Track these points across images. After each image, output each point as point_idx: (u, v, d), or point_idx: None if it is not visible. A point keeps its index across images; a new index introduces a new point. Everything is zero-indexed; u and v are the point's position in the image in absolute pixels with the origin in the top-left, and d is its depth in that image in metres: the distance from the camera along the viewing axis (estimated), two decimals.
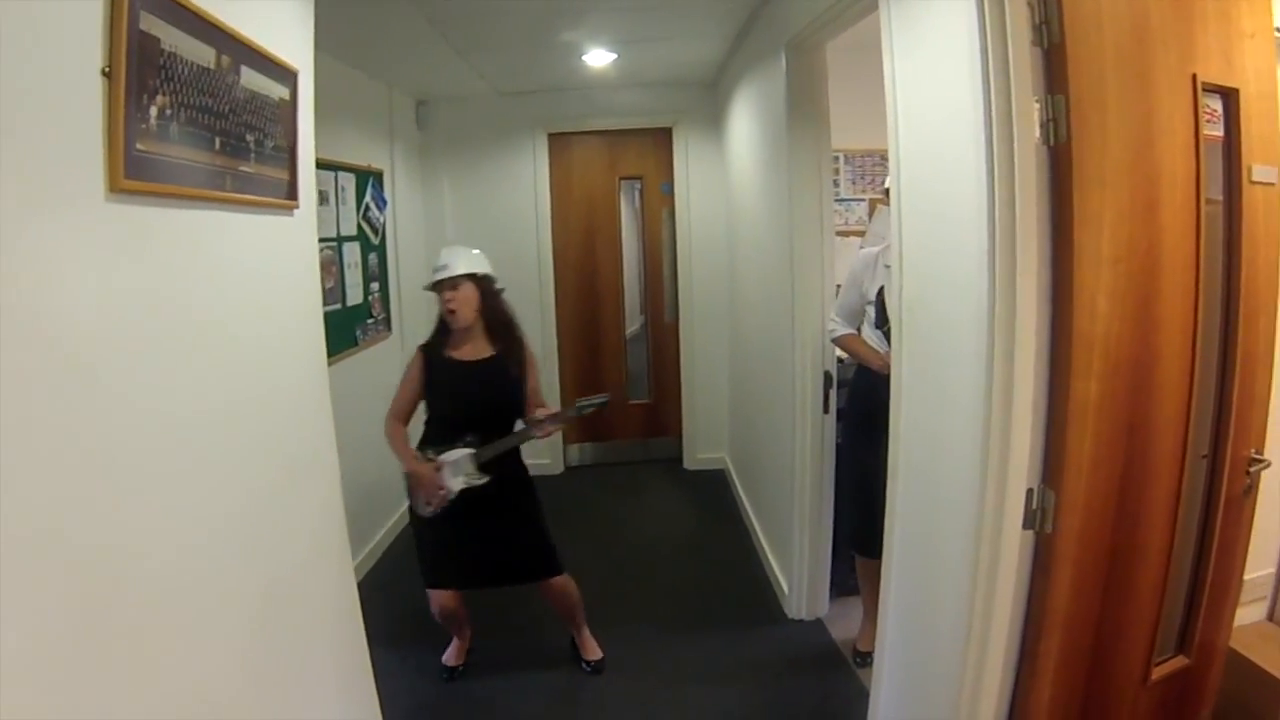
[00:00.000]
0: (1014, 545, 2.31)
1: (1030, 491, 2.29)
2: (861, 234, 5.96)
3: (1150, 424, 2.39)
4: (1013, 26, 2.08)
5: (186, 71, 1.77)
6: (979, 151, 2.19)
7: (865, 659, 3.87)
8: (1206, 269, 2.41)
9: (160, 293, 1.73)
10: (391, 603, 4.76)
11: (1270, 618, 3.46)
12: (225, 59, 1.93)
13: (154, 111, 1.64)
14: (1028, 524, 2.31)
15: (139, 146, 1.59)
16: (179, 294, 1.80)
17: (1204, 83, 2.37)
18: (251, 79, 2.07)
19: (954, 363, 2.49)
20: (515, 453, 3.89)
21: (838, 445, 4.25)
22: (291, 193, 2.35)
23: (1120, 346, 2.26)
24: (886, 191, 3.36)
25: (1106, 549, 2.41)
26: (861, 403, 3.87)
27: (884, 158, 5.82)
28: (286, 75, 2.28)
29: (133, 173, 1.57)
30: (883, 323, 3.64)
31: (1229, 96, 2.51)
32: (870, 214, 5.97)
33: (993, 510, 2.30)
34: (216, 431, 1.94)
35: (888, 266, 3.55)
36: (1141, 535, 2.47)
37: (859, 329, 3.81)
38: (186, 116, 1.78)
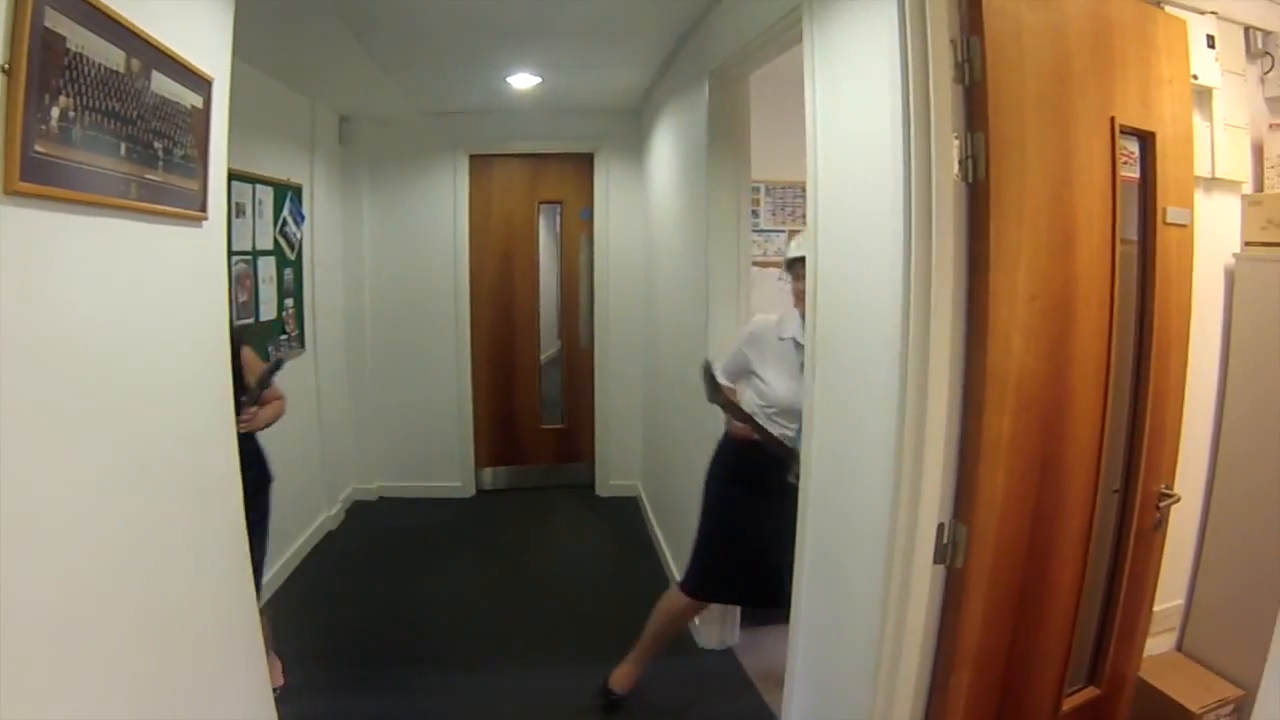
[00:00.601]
0: (924, 579, 2.30)
1: (942, 526, 2.28)
2: (780, 265, 5.96)
3: (1063, 459, 2.42)
4: (934, 63, 2.10)
5: (93, 73, 1.71)
6: (897, 186, 2.19)
7: (613, 700, 3.89)
8: (1120, 307, 2.45)
9: (55, 301, 1.65)
10: (304, 619, 4.70)
11: (1179, 648, 3.49)
12: (136, 63, 1.86)
13: (56, 113, 1.58)
14: (939, 558, 2.30)
15: (38, 148, 1.52)
16: (75, 303, 1.72)
17: (1122, 125, 2.43)
18: (163, 85, 2.00)
19: (868, 395, 2.48)
20: None
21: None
22: (202, 204, 2.28)
23: (1034, 382, 2.28)
24: None
25: (1018, 582, 2.42)
26: (727, 457, 3.82)
27: (804, 190, 5.92)
28: (200, 83, 2.22)
29: (29, 175, 1.50)
30: (767, 408, 3.62)
31: (1146, 139, 2.57)
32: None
33: (903, 544, 2.28)
34: (111, 451, 1.86)
35: (784, 340, 3.59)
36: (1053, 569, 2.49)
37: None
38: (91, 120, 1.71)
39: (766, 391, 3.60)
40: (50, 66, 1.56)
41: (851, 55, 2.53)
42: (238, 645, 2.62)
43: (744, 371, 3.74)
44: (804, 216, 5.84)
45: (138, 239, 1.97)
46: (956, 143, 2.13)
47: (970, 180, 2.16)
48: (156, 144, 1.98)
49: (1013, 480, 2.30)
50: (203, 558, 2.36)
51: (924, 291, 2.14)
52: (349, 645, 4.48)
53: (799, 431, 3.35)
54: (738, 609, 4.45)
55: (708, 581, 3.80)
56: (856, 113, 2.51)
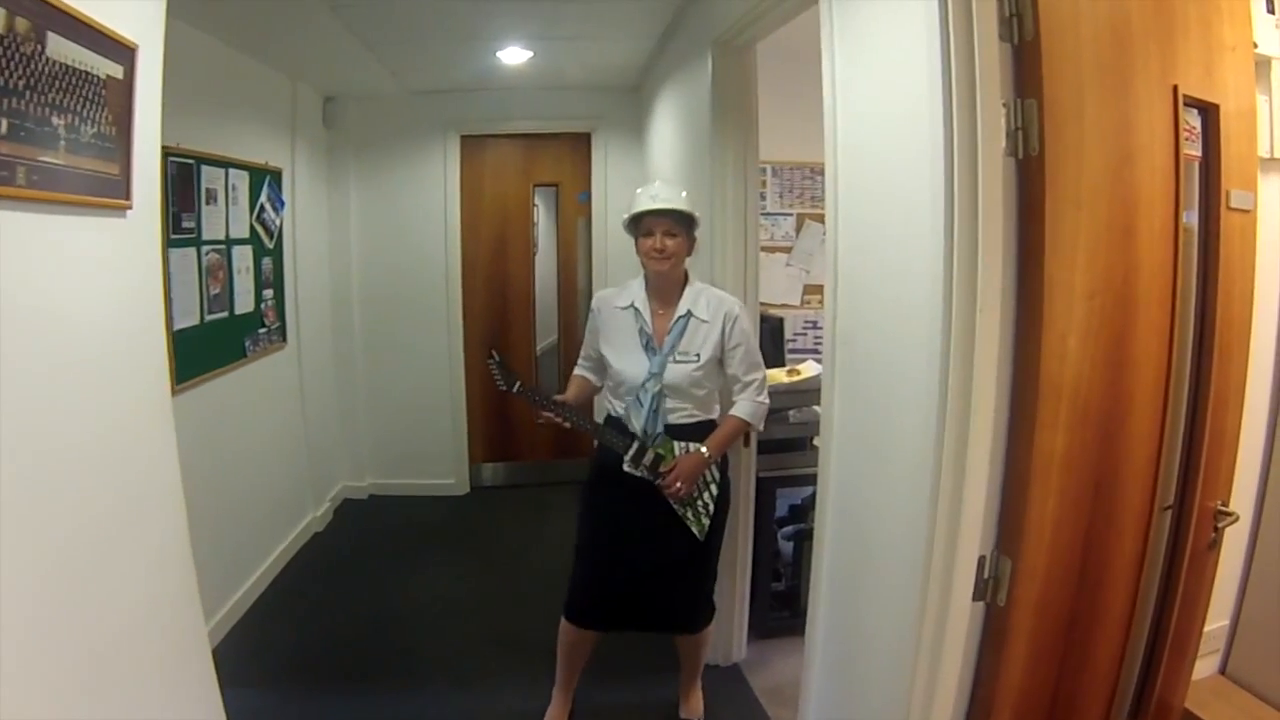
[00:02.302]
0: (962, 620, 2.05)
1: (982, 559, 2.03)
2: (788, 250, 5.73)
3: (1118, 479, 2.15)
4: (979, 18, 1.81)
5: None
6: (936, 162, 1.91)
7: None
8: (1182, 304, 2.16)
9: None
10: (285, 630, 4.50)
11: (1223, 671, 3.32)
12: (22, 22, 1.55)
13: None
14: (978, 595, 2.05)
15: None
16: None
17: (1185, 96, 2.12)
18: (63, 49, 1.69)
19: (896, 403, 2.24)
20: None
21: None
22: (123, 191, 1.97)
23: (1090, 392, 2.00)
24: None
25: (1065, 618, 2.17)
26: (593, 460, 3.47)
27: (814, 171, 5.70)
28: (119, 50, 1.90)
29: None
30: (616, 389, 3.34)
31: (1208, 113, 2.27)
32: (798, 230, 5.73)
33: (939, 580, 2.03)
34: (15, 470, 1.59)
35: (624, 309, 3.31)
36: (1103, 600, 2.23)
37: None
38: None
39: (611, 369, 3.32)
40: None
41: (878, 14, 2.24)
42: (188, 670, 2.37)
43: (596, 354, 3.44)
44: (813, 199, 5.69)
45: (27, 233, 1.67)
46: (1004, 112, 1.84)
47: (1020, 156, 1.86)
48: (56, 120, 1.67)
49: (1064, 506, 2.02)
50: (136, 579, 2.08)
51: (968, 285, 1.87)
52: (333, 658, 4.25)
53: (636, 405, 3.19)
54: (745, 620, 4.18)
55: (575, 602, 3.46)
56: (884, 80, 2.23)
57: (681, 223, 3.18)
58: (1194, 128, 2.25)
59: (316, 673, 4.08)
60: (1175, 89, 2.08)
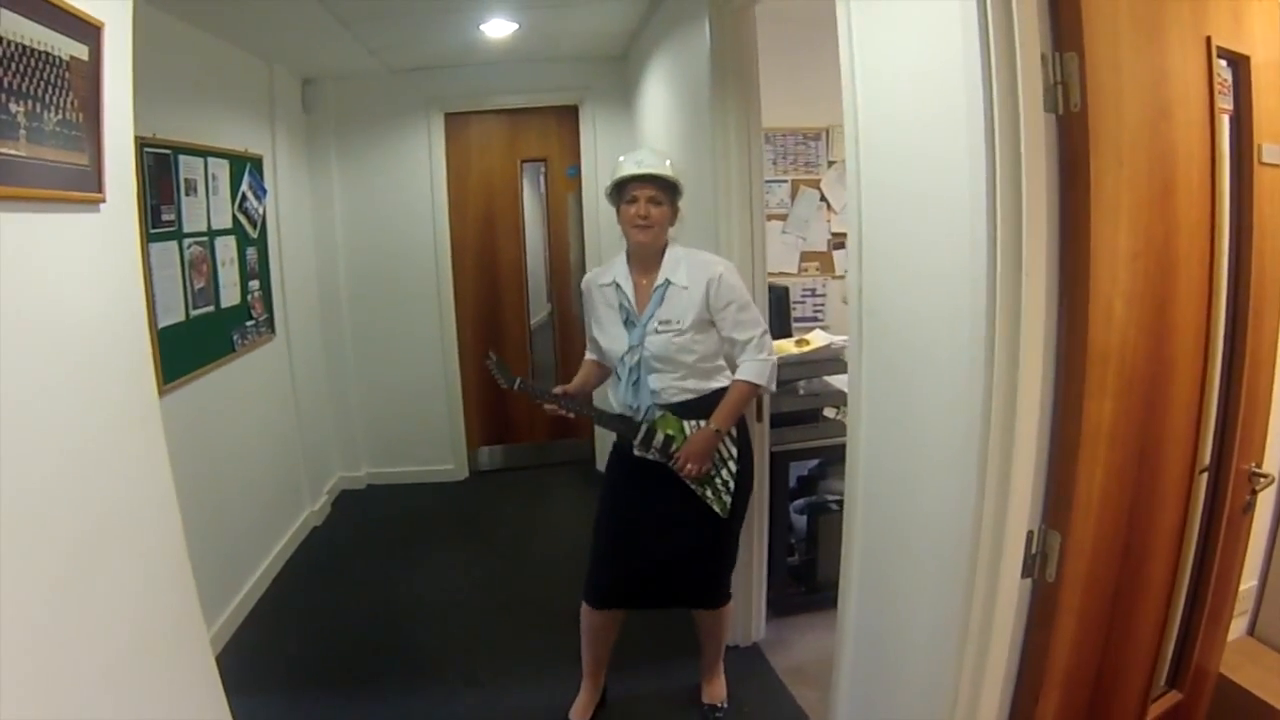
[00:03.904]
0: (1011, 597, 1.98)
1: (1030, 534, 1.94)
2: (783, 218, 5.66)
3: (1160, 446, 2.08)
4: None
5: None
6: (975, 121, 1.79)
7: None
8: (1218, 264, 2.09)
9: None
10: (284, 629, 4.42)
11: (1251, 632, 3.27)
12: None
13: None
14: (1026, 572, 1.97)
15: None
16: None
17: (1218, 47, 2.02)
18: (17, 28, 1.55)
19: (932, 377, 2.15)
20: None
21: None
22: (95, 183, 1.83)
23: (1135, 358, 1.92)
24: None
25: (1110, 591, 2.11)
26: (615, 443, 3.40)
27: (807, 136, 5.60)
28: (82, 28, 1.76)
29: None
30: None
31: (1239, 64, 2.18)
32: (793, 197, 5.63)
33: (987, 557, 1.95)
34: None
35: (606, 286, 3.26)
36: (1146, 570, 2.18)
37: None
38: None
39: (599, 348, 3.30)
40: None
41: None
42: (192, 683, 2.28)
43: (593, 336, 3.40)
44: (807, 164, 5.59)
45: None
46: (1044, 65, 1.73)
47: (1060, 111, 1.75)
48: (14, 107, 1.54)
49: (1110, 476, 1.94)
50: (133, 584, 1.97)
51: (1013, 249, 1.76)
52: (341, 660, 4.14)
53: (616, 380, 3.16)
54: (763, 598, 4.08)
55: (594, 582, 3.39)
56: (911, 37, 2.12)
57: (666, 190, 3.09)
58: (1226, 81, 2.16)
59: (324, 675, 3.98)
60: (1208, 40, 1.98)
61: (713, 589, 3.36)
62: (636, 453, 3.11)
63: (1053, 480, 1.93)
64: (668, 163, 3.14)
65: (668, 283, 3.11)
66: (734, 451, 3.16)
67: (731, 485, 3.15)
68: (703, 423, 3.08)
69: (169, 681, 2.14)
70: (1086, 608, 2.03)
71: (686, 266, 3.13)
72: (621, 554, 3.28)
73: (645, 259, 3.18)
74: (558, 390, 3.22)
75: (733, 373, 3.18)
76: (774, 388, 3.23)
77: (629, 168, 3.09)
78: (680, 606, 3.44)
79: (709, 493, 3.13)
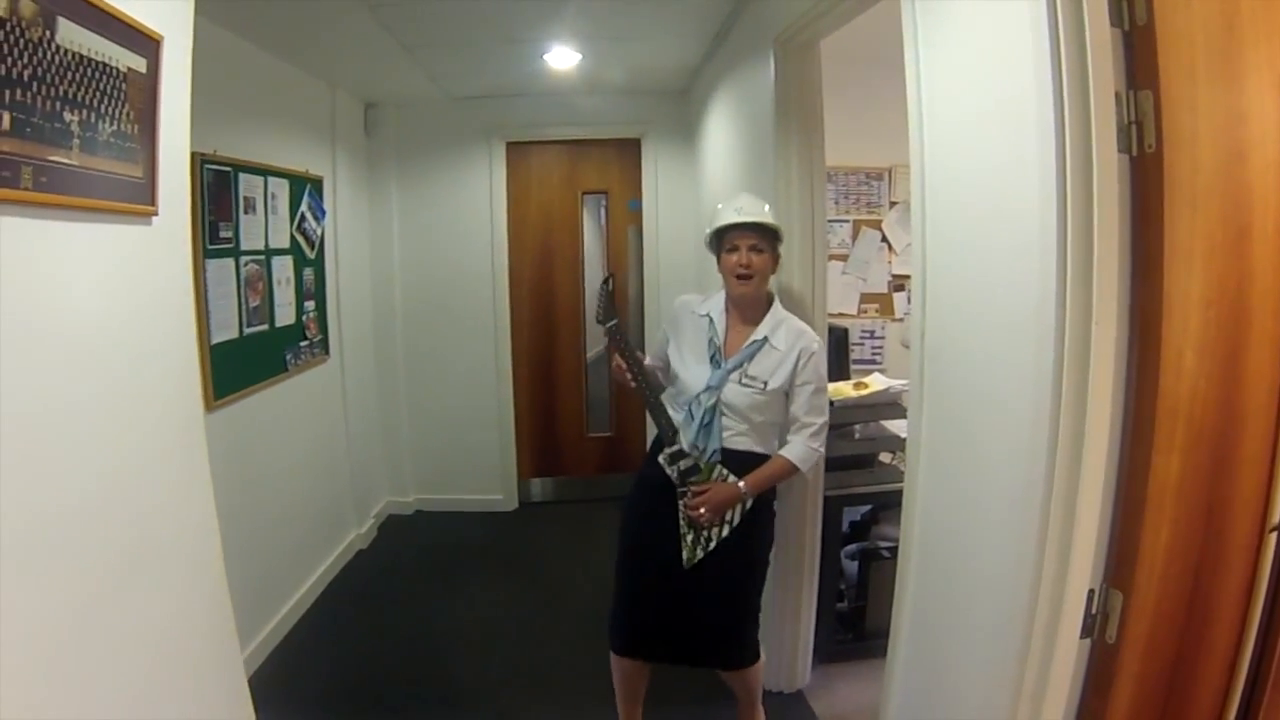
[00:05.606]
0: (1069, 657, 1.89)
1: (1091, 593, 1.86)
2: (844, 258, 5.59)
3: (1229, 502, 1.95)
4: (1089, 1, 1.64)
5: None
6: (1047, 162, 1.73)
7: None
8: None
9: None
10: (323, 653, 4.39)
11: None
12: (28, 5, 1.42)
13: None
14: (1086, 632, 1.88)
15: None
16: None
17: None
18: (76, 38, 1.56)
19: (994, 427, 2.07)
20: None
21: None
22: (148, 195, 1.83)
23: (1206, 411, 1.81)
24: None
25: (1172, 655, 1.98)
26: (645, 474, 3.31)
27: (870, 176, 5.54)
28: (142, 41, 1.76)
29: None
30: (676, 396, 3.25)
31: None
32: (854, 237, 5.56)
33: (1046, 615, 1.87)
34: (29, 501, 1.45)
35: (701, 316, 3.21)
36: (1209, 635, 2.03)
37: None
38: None
39: (675, 375, 3.21)
40: None
41: (971, 3, 2.07)
42: (220, 704, 2.25)
43: (664, 353, 3.34)
44: (869, 205, 5.52)
45: (33, 240, 1.52)
46: (1117, 104, 1.66)
47: (1134, 152, 1.69)
48: (68, 116, 1.53)
49: (1177, 534, 1.85)
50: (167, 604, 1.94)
51: (1083, 298, 1.70)
52: (373, 686, 4.12)
53: (688, 418, 3.07)
54: (810, 644, 3.97)
55: (614, 629, 3.34)
56: (980, 75, 2.07)
57: (767, 237, 3.05)
58: None
59: (355, 701, 3.96)
60: None
61: (729, 650, 3.27)
62: (660, 459, 3.07)
63: (1116, 537, 1.85)
64: (767, 208, 3.12)
65: (766, 340, 3.07)
66: (735, 520, 3.09)
67: (710, 546, 3.08)
68: (732, 478, 3.03)
69: (198, 701, 2.11)
70: (1146, 672, 1.93)
71: (785, 330, 3.09)
72: (636, 603, 3.24)
73: (744, 308, 3.15)
74: (640, 354, 3.21)
75: (779, 446, 3.14)
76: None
77: (729, 215, 3.07)
78: (698, 666, 3.34)
79: (689, 537, 3.07)
